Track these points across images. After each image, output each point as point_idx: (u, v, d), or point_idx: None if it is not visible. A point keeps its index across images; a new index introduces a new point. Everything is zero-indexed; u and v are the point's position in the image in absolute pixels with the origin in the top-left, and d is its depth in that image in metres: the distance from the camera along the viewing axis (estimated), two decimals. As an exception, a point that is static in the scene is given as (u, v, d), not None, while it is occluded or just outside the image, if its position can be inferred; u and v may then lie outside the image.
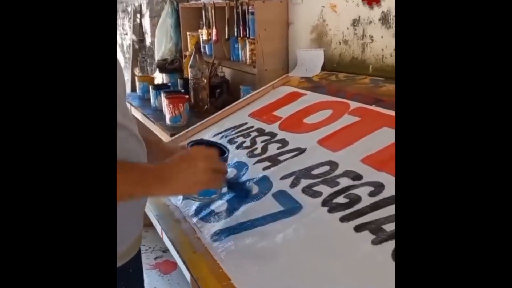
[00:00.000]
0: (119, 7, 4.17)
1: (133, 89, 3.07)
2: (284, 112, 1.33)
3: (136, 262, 0.85)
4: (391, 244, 0.69)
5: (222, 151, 0.86)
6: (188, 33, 2.33)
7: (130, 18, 3.75)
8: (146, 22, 3.51)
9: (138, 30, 3.66)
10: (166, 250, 1.96)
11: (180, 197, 1.08)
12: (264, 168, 1.06)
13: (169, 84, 2.18)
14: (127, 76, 3.85)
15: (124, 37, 4.01)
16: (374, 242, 0.70)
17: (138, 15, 3.63)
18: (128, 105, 2.39)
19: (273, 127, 1.26)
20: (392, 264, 0.65)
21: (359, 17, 1.37)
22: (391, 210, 0.76)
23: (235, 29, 1.86)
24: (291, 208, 0.87)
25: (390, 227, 0.72)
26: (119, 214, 0.58)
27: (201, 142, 0.93)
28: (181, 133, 1.51)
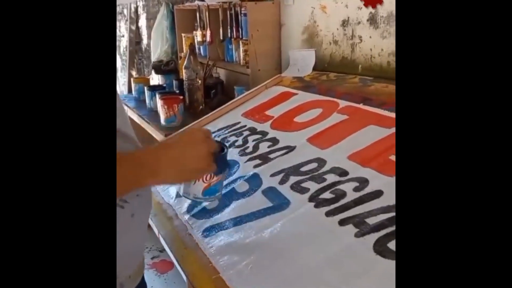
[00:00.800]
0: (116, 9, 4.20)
1: (130, 90, 3.11)
2: (276, 111, 1.36)
3: None
4: (373, 237, 0.71)
5: (221, 148, 0.79)
6: (183, 34, 2.36)
7: (126, 21, 3.78)
8: (143, 24, 3.53)
9: (135, 32, 3.68)
10: (162, 250, 1.98)
11: (173, 195, 1.11)
12: (255, 166, 1.08)
13: (165, 85, 2.20)
14: (124, 78, 3.86)
15: (121, 39, 4.03)
16: (357, 235, 0.73)
17: (135, 18, 3.65)
18: (125, 106, 2.42)
19: (265, 126, 1.29)
20: (373, 256, 0.68)
21: (348, 17, 1.40)
22: (374, 204, 0.78)
23: (229, 31, 1.88)
24: (279, 204, 0.90)
25: (373, 220, 0.74)
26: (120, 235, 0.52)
27: None
28: (175, 134, 1.53)
